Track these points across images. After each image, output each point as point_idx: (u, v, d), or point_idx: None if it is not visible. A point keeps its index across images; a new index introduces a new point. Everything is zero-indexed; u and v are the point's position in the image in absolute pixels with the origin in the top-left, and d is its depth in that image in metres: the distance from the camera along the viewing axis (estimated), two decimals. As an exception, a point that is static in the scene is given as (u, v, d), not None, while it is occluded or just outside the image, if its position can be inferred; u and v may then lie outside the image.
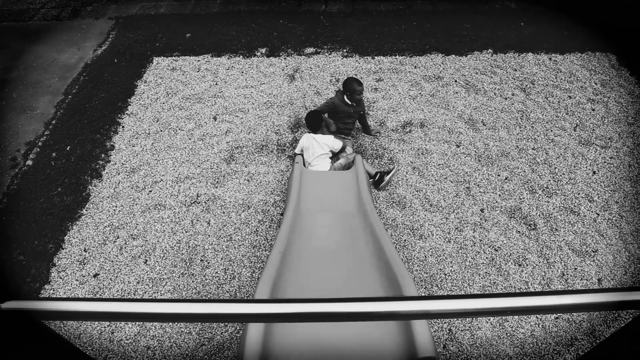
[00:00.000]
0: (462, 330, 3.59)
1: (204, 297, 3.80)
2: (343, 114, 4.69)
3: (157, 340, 3.57)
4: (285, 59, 6.30)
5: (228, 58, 6.37)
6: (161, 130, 5.27)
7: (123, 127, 5.36)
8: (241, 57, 6.38)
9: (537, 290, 3.83)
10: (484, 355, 3.48)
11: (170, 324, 3.64)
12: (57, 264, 4.08)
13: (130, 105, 5.66)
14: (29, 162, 5.01)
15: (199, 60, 6.33)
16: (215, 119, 5.39)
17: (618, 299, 0.98)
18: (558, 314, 3.68)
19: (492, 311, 1.01)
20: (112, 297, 3.83)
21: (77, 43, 6.91)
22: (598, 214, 4.36)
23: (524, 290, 3.83)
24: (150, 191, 4.62)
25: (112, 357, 3.51)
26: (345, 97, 4.57)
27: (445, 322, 3.65)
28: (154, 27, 7.16)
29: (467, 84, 5.79)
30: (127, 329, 3.64)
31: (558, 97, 5.60)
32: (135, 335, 3.60)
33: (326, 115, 4.71)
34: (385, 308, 1.00)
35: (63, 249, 4.20)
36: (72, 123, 5.48)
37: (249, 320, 1.09)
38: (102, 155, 5.04)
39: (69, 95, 5.90)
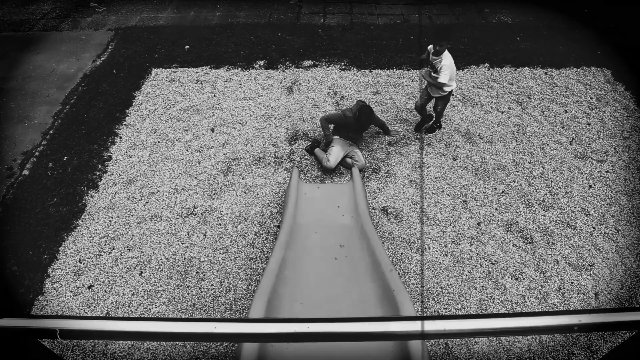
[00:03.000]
0: (458, 345, 3.57)
1: (199, 310, 3.77)
2: (347, 125, 4.86)
3: (151, 353, 3.53)
4: (283, 71, 6.34)
5: (226, 70, 6.40)
6: (159, 142, 5.27)
7: (120, 138, 5.36)
8: (240, 69, 6.42)
9: (533, 304, 3.82)
10: (481, 370, 3.46)
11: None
12: (51, 275, 4.05)
13: (128, 116, 5.67)
14: (25, 172, 5.00)
15: (197, 72, 6.37)
16: (213, 130, 5.40)
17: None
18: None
19: (489, 332, 1.00)
20: (106, 308, 3.80)
21: (76, 54, 6.94)
22: (594, 228, 4.37)
23: (521, 305, 3.82)
24: (147, 202, 4.61)
25: (106, 371, 3.47)
26: (354, 116, 4.75)
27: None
28: (153, 39, 7.21)
29: (463, 97, 5.83)
30: (121, 342, 3.60)
31: (554, 111, 5.64)
32: (129, 348, 3.57)
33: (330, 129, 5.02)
34: (381, 328, 1.00)
35: (58, 259, 4.17)
36: (70, 133, 5.48)
37: (245, 340, 1.08)
38: (99, 165, 5.03)
39: (67, 105, 5.91)
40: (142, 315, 3.75)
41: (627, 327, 1.00)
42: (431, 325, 0.98)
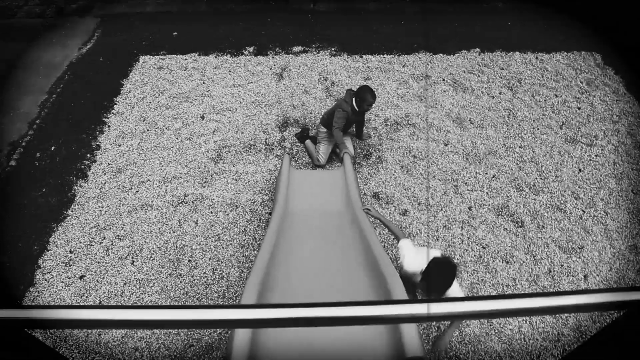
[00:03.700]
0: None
1: (192, 298, 3.77)
2: (349, 122, 4.65)
3: (144, 342, 3.53)
4: (273, 57, 6.28)
5: (215, 57, 6.32)
6: (148, 130, 5.21)
7: (109, 126, 5.29)
8: (229, 55, 6.33)
9: (524, 287, 3.87)
10: (473, 352, 3.50)
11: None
12: (42, 266, 4.02)
13: (116, 104, 5.59)
14: (13, 163, 4.93)
15: (186, 59, 6.28)
16: (202, 118, 5.35)
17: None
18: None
19: (481, 314, 1.01)
20: (99, 298, 3.78)
21: (62, 41, 6.80)
22: (584, 211, 4.41)
23: (512, 287, 3.86)
24: (137, 191, 4.57)
25: (99, 360, 3.47)
26: (354, 101, 4.47)
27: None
28: (140, 26, 7.08)
29: (454, 82, 5.82)
30: (114, 331, 3.59)
31: (544, 95, 5.65)
32: (123, 337, 3.57)
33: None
34: (373, 312, 0.99)
35: (48, 250, 4.14)
36: (57, 123, 5.39)
37: (237, 326, 1.07)
38: (88, 155, 4.97)
39: (53, 94, 5.81)
40: (135, 304, 3.75)
41: (617, 308, 1.01)
42: (438, 308, 0.98)
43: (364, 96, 4.36)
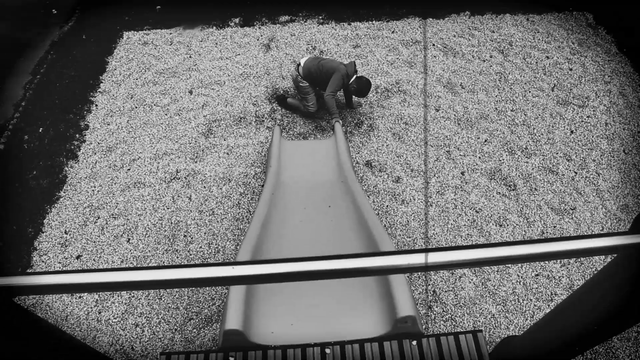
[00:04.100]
0: (445, 292, 3.67)
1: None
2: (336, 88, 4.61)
3: (145, 317, 3.57)
4: (259, 28, 6.15)
5: (201, 29, 6.18)
6: (136, 107, 5.14)
7: (96, 105, 5.21)
8: (214, 28, 6.19)
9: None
10: (468, 314, 3.57)
11: (158, 299, 3.64)
12: (38, 248, 4.02)
13: (102, 82, 5.48)
14: (0, 147, 4.86)
15: (171, 33, 6.13)
16: (191, 92, 5.27)
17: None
18: (538, 272, 3.78)
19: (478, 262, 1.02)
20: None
21: (41, 20, 6.61)
22: (576, 173, 4.44)
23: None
24: (129, 169, 4.54)
25: (101, 337, 3.51)
26: (350, 80, 4.58)
27: (429, 284, 3.72)
28: (122, 0, 6.88)
29: (445, 47, 5.74)
30: (114, 308, 3.63)
31: (536, 57, 5.59)
32: (123, 313, 3.60)
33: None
34: (386, 262, 1.00)
35: (43, 232, 4.13)
36: (43, 104, 5.30)
37: (230, 283, 1.08)
38: (77, 135, 4.91)
39: (37, 75, 5.69)
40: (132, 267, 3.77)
41: (609, 252, 1.03)
42: (435, 257, 0.99)
43: (361, 88, 4.59)
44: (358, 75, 4.61)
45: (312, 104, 4.75)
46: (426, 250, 1.01)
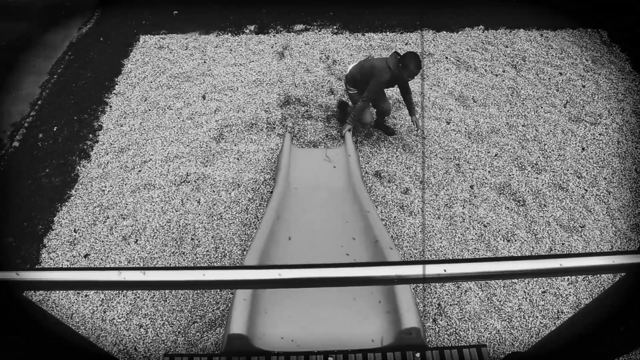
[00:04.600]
0: (451, 305, 3.64)
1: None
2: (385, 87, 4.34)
3: (149, 319, 3.59)
4: (274, 36, 6.21)
5: (216, 35, 6.27)
6: (149, 110, 5.20)
7: (110, 106, 5.29)
8: (230, 34, 6.27)
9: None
10: (472, 329, 3.54)
11: (163, 301, 3.66)
12: (47, 245, 4.06)
13: (117, 84, 5.57)
14: (16, 144, 4.94)
15: (186, 38, 6.22)
16: (204, 97, 5.33)
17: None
18: (545, 289, 3.75)
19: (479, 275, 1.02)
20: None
21: (61, 21, 6.75)
22: (586, 190, 4.40)
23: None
24: (140, 171, 4.59)
25: (105, 336, 3.53)
26: (397, 67, 4.06)
27: (434, 297, 3.70)
28: (140, 5, 7.00)
29: (458, 60, 5.75)
30: (119, 308, 3.65)
31: (549, 73, 5.58)
32: (128, 314, 3.62)
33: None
34: (383, 273, 1.01)
35: (53, 230, 4.17)
36: (59, 103, 5.39)
37: (235, 286, 1.09)
38: (90, 135, 4.98)
39: (54, 75, 5.79)
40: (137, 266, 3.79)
41: (615, 270, 1.03)
42: (432, 269, 1.00)
43: (407, 63, 3.95)
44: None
45: (365, 114, 4.49)
46: (424, 262, 1.01)
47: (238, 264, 3.88)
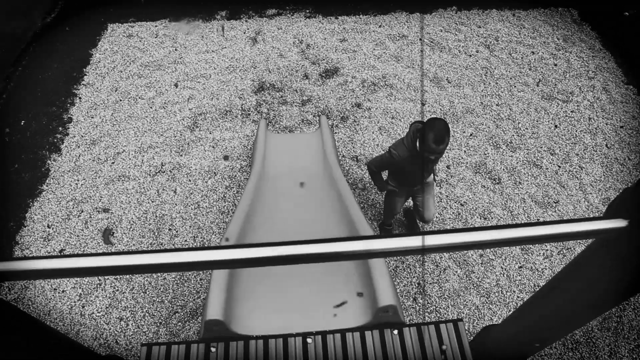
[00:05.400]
0: (430, 284, 3.70)
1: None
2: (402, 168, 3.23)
3: (129, 311, 3.55)
4: (246, 21, 6.10)
5: (187, 22, 6.12)
6: (120, 100, 5.08)
7: (80, 98, 5.14)
8: (201, 20, 6.14)
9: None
10: (452, 306, 3.61)
11: (142, 293, 3.62)
12: (20, 242, 3.97)
13: (86, 75, 5.41)
14: (-19, 139, 4.78)
15: (156, 26, 6.06)
16: (176, 85, 5.22)
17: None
18: (522, 264, 3.83)
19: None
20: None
21: (23, 11, 6.49)
22: (559, 166, 4.49)
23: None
24: (113, 163, 4.49)
25: (85, 331, 3.49)
26: (417, 141, 2.95)
27: (414, 277, 3.74)
28: (107, -8, 6.79)
29: (431, 42, 5.76)
30: (98, 302, 3.61)
31: (521, 53, 5.64)
32: (107, 307, 3.58)
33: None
34: (383, 245, 1.01)
35: (25, 226, 4.07)
36: (25, 96, 5.21)
37: (210, 267, 1.07)
38: (60, 128, 4.84)
39: (18, 67, 5.59)
40: (114, 252, 3.74)
41: (583, 236, 1.05)
42: (432, 240, 1.00)
43: (426, 136, 2.77)
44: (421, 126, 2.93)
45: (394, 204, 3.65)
46: (423, 233, 1.02)
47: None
